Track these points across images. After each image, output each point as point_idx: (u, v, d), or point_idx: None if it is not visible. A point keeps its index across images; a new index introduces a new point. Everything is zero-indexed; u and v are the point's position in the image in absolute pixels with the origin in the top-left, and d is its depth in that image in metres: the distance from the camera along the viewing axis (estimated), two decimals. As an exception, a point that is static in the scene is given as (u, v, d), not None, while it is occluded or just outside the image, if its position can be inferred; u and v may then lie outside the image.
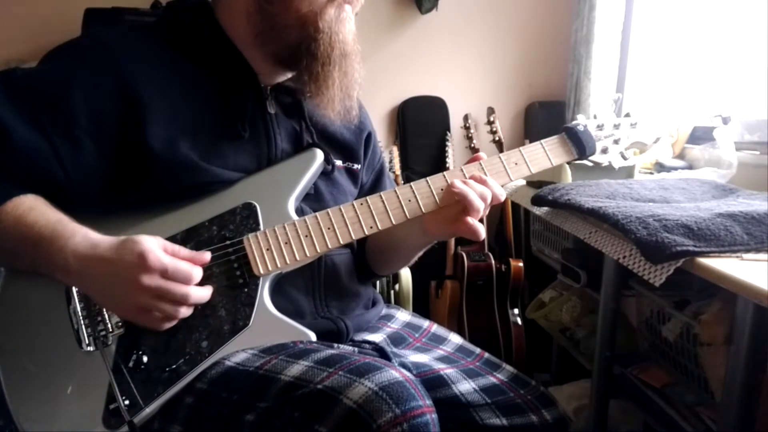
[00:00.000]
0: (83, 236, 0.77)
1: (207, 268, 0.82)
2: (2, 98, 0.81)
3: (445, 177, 0.91)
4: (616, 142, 1.01)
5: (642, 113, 1.02)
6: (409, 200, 0.90)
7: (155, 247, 0.76)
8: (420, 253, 1.07)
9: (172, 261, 0.76)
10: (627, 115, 1.01)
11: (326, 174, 0.98)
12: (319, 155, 0.93)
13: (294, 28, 0.89)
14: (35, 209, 0.79)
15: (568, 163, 1.03)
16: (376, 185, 1.11)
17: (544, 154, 0.97)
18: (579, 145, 0.97)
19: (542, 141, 0.97)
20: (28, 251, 0.78)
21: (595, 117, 1.01)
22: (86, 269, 0.76)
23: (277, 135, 0.93)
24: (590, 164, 1.04)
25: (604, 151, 1.01)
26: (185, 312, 0.79)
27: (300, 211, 0.92)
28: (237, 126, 0.89)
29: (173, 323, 0.79)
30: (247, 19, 0.90)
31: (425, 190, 0.91)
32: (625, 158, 1.03)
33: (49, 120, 0.81)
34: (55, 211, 0.80)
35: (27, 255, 0.78)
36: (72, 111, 0.81)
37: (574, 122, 1.00)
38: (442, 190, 0.91)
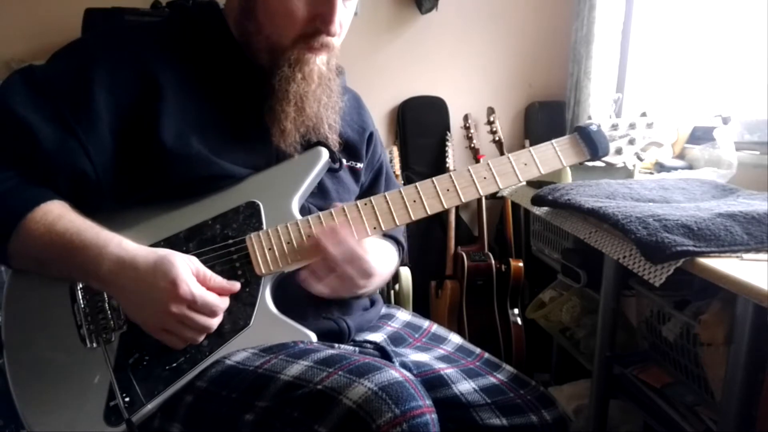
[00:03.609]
0: (117, 245, 0.78)
1: (209, 268, 0.82)
2: (25, 98, 0.81)
3: (451, 177, 0.90)
4: (631, 142, 0.97)
5: (658, 112, 0.98)
6: (414, 201, 0.90)
7: (188, 275, 0.77)
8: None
9: (201, 294, 0.77)
10: (643, 114, 0.98)
11: (334, 172, 0.98)
12: (324, 153, 0.93)
13: (264, 52, 0.89)
14: (64, 217, 0.80)
15: (581, 163, 0.99)
16: (373, 184, 1.11)
17: (554, 155, 0.94)
18: (591, 145, 0.94)
19: (553, 141, 0.94)
20: (61, 259, 0.79)
21: (610, 117, 0.98)
22: (119, 280, 0.77)
23: None
24: (603, 164, 1.00)
25: (618, 151, 0.98)
26: (202, 339, 0.81)
27: (305, 209, 0.92)
28: (245, 124, 0.90)
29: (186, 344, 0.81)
30: (235, 24, 0.92)
31: (431, 191, 0.90)
32: (641, 159, 0.99)
33: (73, 115, 0.81)
34: (83, 218, 0.80)
35: (60, 263, 0.79)
36: (94, 104, 0.82)
37: (587, 121, 0.97)
38: (448, 190, 0.90)
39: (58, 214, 0.80)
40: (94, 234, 0.79)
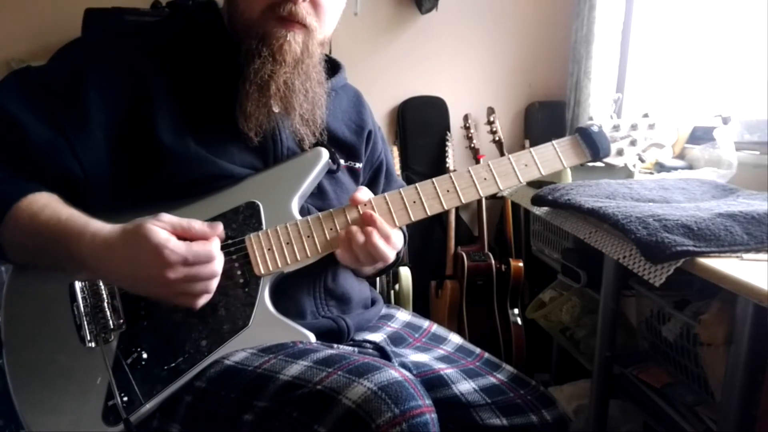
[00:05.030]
0: (93, 232, 0.77)
1: None
2: (18, 97, 0.82)
3: (451, 178, 0.90)
4: (632, 143, 0.97)
5: (660, 113, 0.97)
6: (414, 202, 0.89)
7: (167, 238, 0.74)
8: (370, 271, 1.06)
9: (189, 249, 0.75)
10: (645, 115, 0.97)
11: (332, 173, 0.97)
12: (325, 154, 0.93)
13: (242, 34, 0.88)
14: (48, 207, 0.79)
15: (581, 164, 0.98)
16: (371, 182, 1.11)
17: (555, 156, 0.94)
18: (592, 146, 0.94)
19: (554, 141, 0.94)
20: (47, 249, 0.78)
21: (612, 117, 0.97)
22: (105, 264, 0.76)
23: (282, 133, 0.93)
24: (603, 164, 0.99)
25: (620, 152, 0.97)
26: (215, 285, 0.79)
27: (305, 210, 0.92)
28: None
29: (209, 298, 0.79)
30: (228, 19, 0.92)
31: (431, 192, 0.90)
32: (642, 160, 0.99)
33: (64, 114, 0.82)
34: (67, 207, 0.80)
35: (47, 253, 0.79)
36: (86, 104, 0.82)
37: (588, 122, 0.96)
38: (448, 191, 0.90)
39: (43, 204, 0.79)
40: (71, 223, 0.77)
